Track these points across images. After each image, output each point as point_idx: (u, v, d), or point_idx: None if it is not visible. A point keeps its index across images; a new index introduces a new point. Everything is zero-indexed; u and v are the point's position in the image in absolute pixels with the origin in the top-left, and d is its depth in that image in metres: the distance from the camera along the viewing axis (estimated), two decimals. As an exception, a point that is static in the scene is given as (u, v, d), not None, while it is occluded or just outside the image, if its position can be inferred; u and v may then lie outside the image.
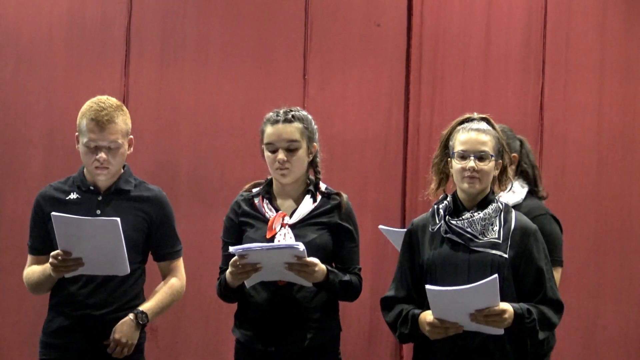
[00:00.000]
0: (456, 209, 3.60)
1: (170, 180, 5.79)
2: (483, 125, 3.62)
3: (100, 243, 3.54)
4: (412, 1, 5.97)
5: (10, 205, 5.65)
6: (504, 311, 3.38)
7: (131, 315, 3.73)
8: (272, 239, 3.67)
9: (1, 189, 5.67)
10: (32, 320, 5.27)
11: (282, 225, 3.70)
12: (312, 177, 3.84)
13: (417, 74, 5.96)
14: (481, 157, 3.54)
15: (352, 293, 3.76)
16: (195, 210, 5.80)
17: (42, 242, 3.72)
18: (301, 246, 3.48)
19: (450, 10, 6.02)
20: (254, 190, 3.84)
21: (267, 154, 3.74)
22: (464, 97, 5.97)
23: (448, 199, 3.61)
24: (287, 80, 5.91)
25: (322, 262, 3.60)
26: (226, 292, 3.71)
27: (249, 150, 5.53)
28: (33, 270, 3.77)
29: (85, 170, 3.80)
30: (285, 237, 3.66)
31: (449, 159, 3.63)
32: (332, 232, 3.75)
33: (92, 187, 3.78)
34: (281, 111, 3.75)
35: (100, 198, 3.77)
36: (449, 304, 3.39)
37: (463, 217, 3.56)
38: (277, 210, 3.75)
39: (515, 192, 4.20)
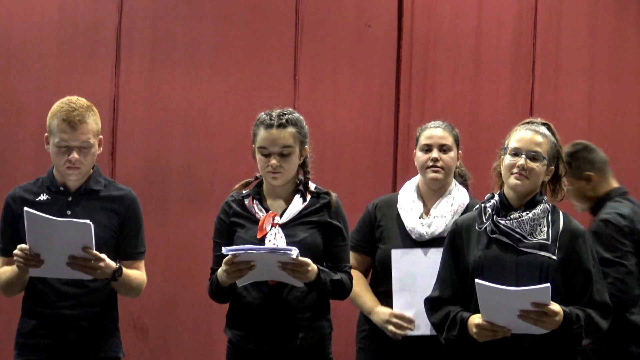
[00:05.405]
0: (503, 208, 3.58)
1: (161, 180, 5.80)
2: (542, 128, 3.61)
3: (69, 245, 3.52)
4: (403, 2, 5.97)
5: (1, 204, 5.64)
6: (555, 313, 3.38)
7: (115, 264, 3.65)
8: (262, 239, 3.69)
9: (-8, 189, 5.72)
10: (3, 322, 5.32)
11: (273, 225, 3.72)
12: (301, 177, 3.84)
13: (407, 74, 5.96)
14: (533, 157, 3.54)
15: (343, 292, 3.77)
16: (186, 211, 5.80)
17: (12, 243, 3.65)
18: (295, 251, 3.49)
19: (441, 11, 6.01)
20: (244, 191, 3.86)
21: (259, 156, 3.75)
22: (454, 98, 5.98)
23: (495, 197, 3.60)
24: (277, 80, 5.91)
25: (313, 261, 3.61)
26: (218, 291, 3.71)
27: (240, 150, 5.53)
28: (4, 269, 3.75)
29: (54, 170, 3.80)
30: (275, 237, 3.69)
31: (502, 156, 3.63)
32: (323, 231, 3.77)
33: (62, 188, 3.77)
34: (274, 114, 3.74)
35: (70, 199, 3.76)
36: (497, 302, 3.39)
37: (511, 216, 3.54)
38: (267, 210, 3.77)
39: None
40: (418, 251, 4.05)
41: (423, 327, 4.02)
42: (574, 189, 4.53)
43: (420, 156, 4.19)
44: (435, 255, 3.88)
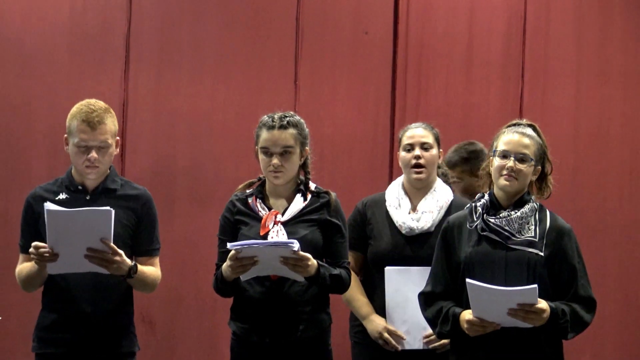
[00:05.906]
0: (493, 207, 3.64)
1: (168, 180, 5.81)
2: (528, 130, 3.68)
3: (88, 236, 3.54)
4: (398, 10, 5.98)
5: (16, 206, 5.42)
6: (543, 310, 3.45)
7: (130, 262, 3.72)
8: (265, 236, 3.74)
9: (6, 191, 5.66)
10: (22, 314, 5.34)
11: (275, 223, 3.78)
12: (302, 177, 3.90)
13: (402, 79, 5.98)
14: (521, 159, 3.61)
15: (342, 286, 3.85)
16: (191, 210, 5.81)
17: (33, 241, 3.66)
18: (296, 244, 3.55)
19: (435, 19, 6.02)
20: (248, 190, 3.93)
21: (261, 157, 3.83)
22: (447, 101, 6.00)
23: (485, 197, 3.66)
24: (279, 85, 5.92)
25: (313, 256, 3.66)
26: (222, 285, 3.77)
27: (243, 151, 5.60)
28: (24, 266, 3.80)
29: (73, 170, 3.84)
30: (277, 234, 3.76)
31: (491, 157, 3.69)
32: (322, 228, 3.83)
33: (80, 187, 3.81)
34: (276, 116, 3.82)
35: (88, 197, 3.80)
36: (487, 300, 3.45)
37: (500, 215, 3.61)
38: (269, 209, 3.83)
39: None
40: (411, 269, 4.11)
41: (417, 343, 4.13)
42: (464, 183, 4.67)
43: (403, 155, 4.28)
44: (428, 274, 3.89)
